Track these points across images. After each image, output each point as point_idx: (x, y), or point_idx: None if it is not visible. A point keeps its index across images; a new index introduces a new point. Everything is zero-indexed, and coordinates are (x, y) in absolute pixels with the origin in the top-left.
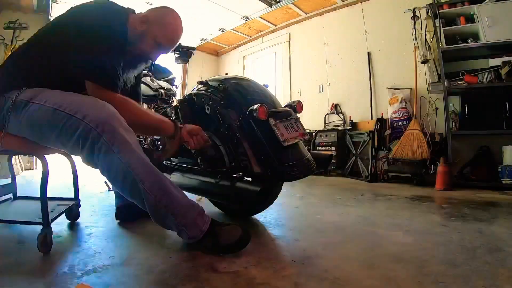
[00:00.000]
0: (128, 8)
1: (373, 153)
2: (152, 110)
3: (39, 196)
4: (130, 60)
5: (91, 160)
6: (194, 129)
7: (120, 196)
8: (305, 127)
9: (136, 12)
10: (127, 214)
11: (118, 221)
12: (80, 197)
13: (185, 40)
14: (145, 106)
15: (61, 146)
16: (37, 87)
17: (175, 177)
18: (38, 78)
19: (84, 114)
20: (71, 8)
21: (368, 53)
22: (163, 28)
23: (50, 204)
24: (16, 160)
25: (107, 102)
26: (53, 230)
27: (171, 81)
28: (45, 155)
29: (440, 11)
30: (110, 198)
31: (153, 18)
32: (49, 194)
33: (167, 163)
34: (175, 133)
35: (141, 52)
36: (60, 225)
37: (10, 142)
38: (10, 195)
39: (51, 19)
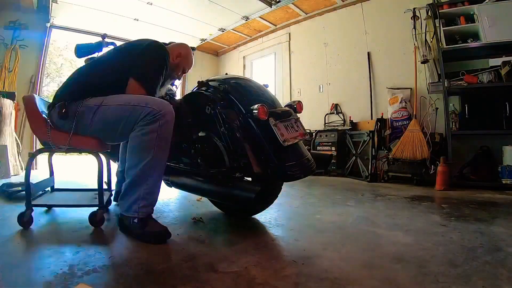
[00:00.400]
0: (164, 43)
1: (373, 153)
2: None
3: (70, 188)
4: (165, 79)
5: (136, 129)
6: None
7: (121, 182)
8: (305, 127)
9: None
10: None
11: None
12: None
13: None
14: None
15: (122, 135)
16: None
17: (175, 177)
18: (100, 90)
19: (146, 102)
20: (128, 43)
21: (368, 53)
22: (188, 61)
23: (90, 194)
24: (16, 160)
25: (141, 91)
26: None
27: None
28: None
29: (440, 11)
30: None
31: (183, 55)
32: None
33: (167, 163)
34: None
35: (173, 75)
36: (59, 225)
37: (76, 141)
38: (49, 188)
39: (51, 19)
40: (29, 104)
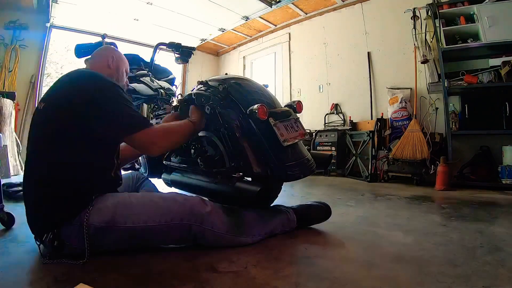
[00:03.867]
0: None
1: (373, 153)
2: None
3: None
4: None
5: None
6: (195, 112)
7: None
8: (305, 127)
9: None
10: None
11: None
12: None
13: (185, 40)
14: (145, 106)
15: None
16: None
17: (175, 177)
18: (92, 186)
19: (181, 217)
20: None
21: (368, 53)
22: (124, 60)
23: None
24: (16, 160)
25: (154, 137)
26: None
27: (171, 81)
28: None
29: (440, 11)
30: None
31: (116, 57)
32: None
33: (167, 163)
34: (198, 128)
35: (123, 86)
36: None
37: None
38: None
39: (51, 19)
40: None
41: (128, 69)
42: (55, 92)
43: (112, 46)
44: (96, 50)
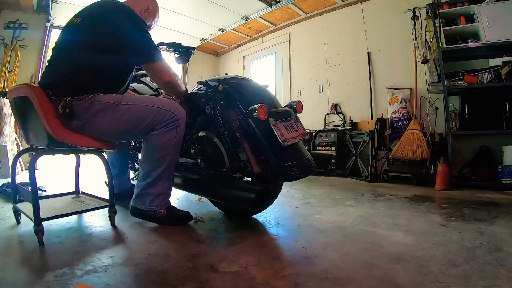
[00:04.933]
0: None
1: (373, 153)
2: None
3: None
4: None
5: (152, 134)
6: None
7: (116, 186)
8: (305, 127)
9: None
10: (120, 197)
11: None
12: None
13: (185, 40)
14: None
15: (138, 135)
16: (106, 90)
17: (175, 177)
18: (103, 85)
19: (169, 107)
20: (87, 15)
21: (368, 53)
22: (155, 17)
23: (70, 197)
24: None
25: (171, 72)
26: (54, 229)
27: None
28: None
29: (440, 11)
30: None
31: (152, 10)
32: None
33: None
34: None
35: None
36: (59, 225)
37: (84, 140)
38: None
39: (51, 19)
40: (41, 97)
41: (152, 26)
42: (90, 11)
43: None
44: None
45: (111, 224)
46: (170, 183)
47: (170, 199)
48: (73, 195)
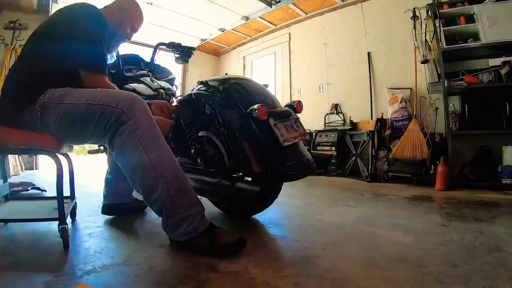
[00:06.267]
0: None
1: (373, 153)
2: None
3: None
4: (109, 43)
5: (115, 144)
6: (161, 103)
7: (109, 194)
8: (305, 127)
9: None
10: (113, 211)
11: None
12: (80, 197)
13: (185, 40)
14: None
15: (90, 138)
16: (55, 87)
17: None
18: (54, 81)
19: (117, 102)
20: (52, 15)
21: (368, 53)
22: (135, 15)
23: (50, 203)
24: (16, 160)
25: (100, 86)
26: (52, 229)
27: (171, 81)
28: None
29: (440, 11)
30: None
31: (127, 7)
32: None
33: None
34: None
35: (120, 35)
36: None
37: (33, 140)
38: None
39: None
40: None
41: (138, 26)
42: (58, 13)
43: (135, 1)
44: None
45: (64, 244)
46: (185, 199)
47: (206, 217)
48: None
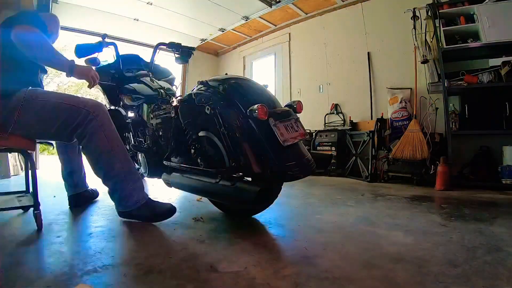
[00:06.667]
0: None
1: (373, 153)
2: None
3: None
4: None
5: (81, 138)
6: (84, 69)
7: (71, 186)
8: (305, 127)
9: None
10: (77, 201)
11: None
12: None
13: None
14: (145, 106)
15: (57, 134)
16: (26, 86)
17: (175, 178)
18: (24, 78)
19: (84, 104)
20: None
21: (368, 53)
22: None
23: (10, 196)
24: (16, 160)
25: (29, 30)
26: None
27: (171, 81)
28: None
29: (440, 11)
30: (109, 199)
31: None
32: None
33: (167, 163)
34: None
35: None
36: (59, 225)
37: (13, 141)
38: None
39: None
40: None
41: (57, 32)
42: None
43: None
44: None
45: (37, 228)
46: (134, 176)
47: (148, 193)
48: (22, 194)
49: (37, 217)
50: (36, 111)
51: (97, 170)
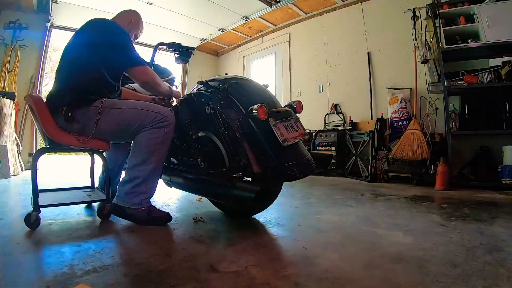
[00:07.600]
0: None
1: (373, 153)
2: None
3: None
4: None
5: (144, 133)
6: (177, 92)
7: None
8: (305, 127)
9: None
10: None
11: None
12: None
13: (185, 40)
14: None
15: (131, 136)
16: (101, 97)
17: (175, 177)
18: (95, 93)
19: (158, 109)
20: (80, 33)
21: (368, 53)
22: (139, 27)
23: (78, 192)
24: (16, 160)
25: (149, 73)
26: (54, 229)
27: (171, 81)
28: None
29: (440, 11)
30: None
31: (134, 21)
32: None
33: (167, 163)
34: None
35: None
36: (59, 225)
37: (87, 142)
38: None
39: (51, 19)
40: (38, 105)
41: (140, 35)
42: (83, 30)
43: (135, 10)
44: (122, 10)
45: (101, 220)
46: (154, 184)
47: (152, 200)
48: (88, 189)
49: (105, 208)
50: (114, 117)
51: (135, 157)
